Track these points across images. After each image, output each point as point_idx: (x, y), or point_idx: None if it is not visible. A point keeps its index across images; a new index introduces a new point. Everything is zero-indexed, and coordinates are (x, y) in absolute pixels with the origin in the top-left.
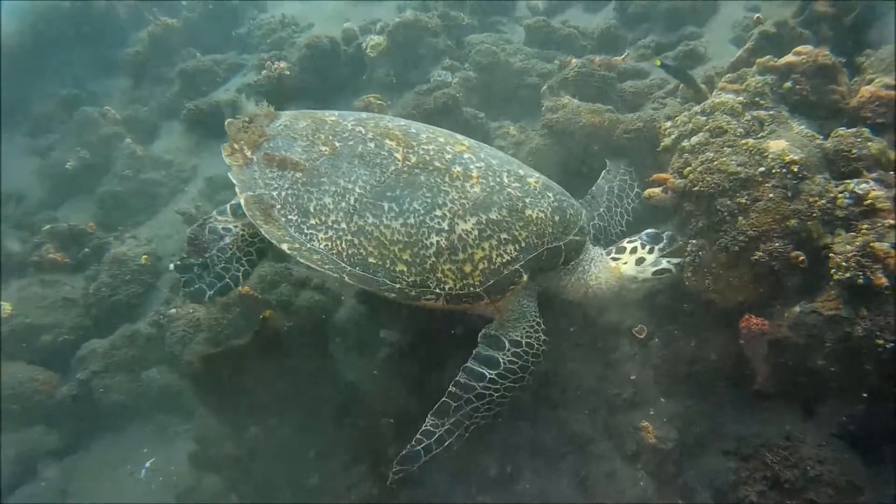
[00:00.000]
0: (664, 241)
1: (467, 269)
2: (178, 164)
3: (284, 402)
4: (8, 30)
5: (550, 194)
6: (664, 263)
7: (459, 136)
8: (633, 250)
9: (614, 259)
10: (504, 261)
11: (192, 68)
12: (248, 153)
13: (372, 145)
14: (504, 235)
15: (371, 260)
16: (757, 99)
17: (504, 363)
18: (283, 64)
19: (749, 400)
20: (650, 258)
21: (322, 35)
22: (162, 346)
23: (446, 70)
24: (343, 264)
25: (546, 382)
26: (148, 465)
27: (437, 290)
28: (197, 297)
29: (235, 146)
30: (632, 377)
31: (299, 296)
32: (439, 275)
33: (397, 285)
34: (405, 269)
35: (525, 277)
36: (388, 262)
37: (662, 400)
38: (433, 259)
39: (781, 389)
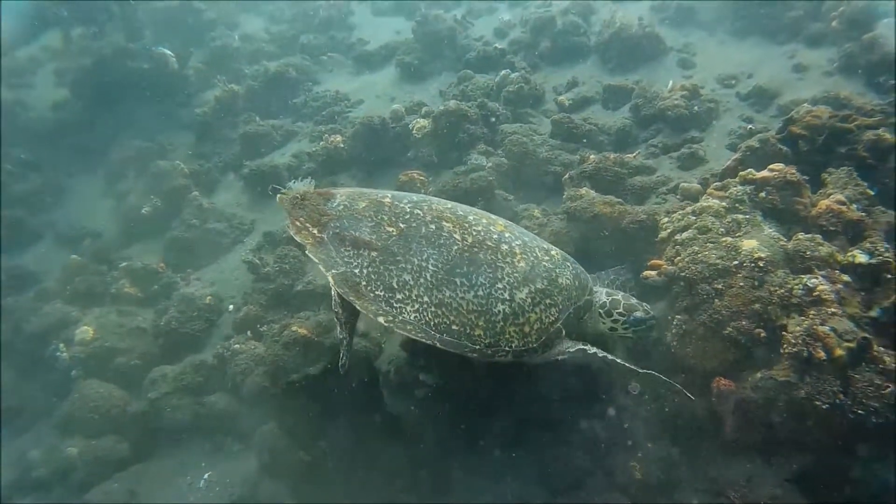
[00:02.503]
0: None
1: (526, 329)
2: (238, 217)
3: (341, 426)
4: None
5: (569, 264)
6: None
7: (494, 217)
8: (602, 306)
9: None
10: (550, 321)
11: (252, 132)
12: (316, 231)
13: (433, 227)
14: (548, 301)
15: (454, 327)
16: (737, 205)
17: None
18: (338, 137)
19: (719, 448)
20: (608, 303)
21: (374, 115)
22: (223, 376)
23: (481, 154)
24: (433, 332)
25: (556, 425)
26: (206, 476)
27: (507, 349)
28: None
29: (298, 223)
30: (625, 426)
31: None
32: (507, 336)
33: (477, 346)
34: (481, 333)
35: (564, 333)
36: (468, 328)
37: (649, 445)
38: (501, 323)
39: (745, 440)
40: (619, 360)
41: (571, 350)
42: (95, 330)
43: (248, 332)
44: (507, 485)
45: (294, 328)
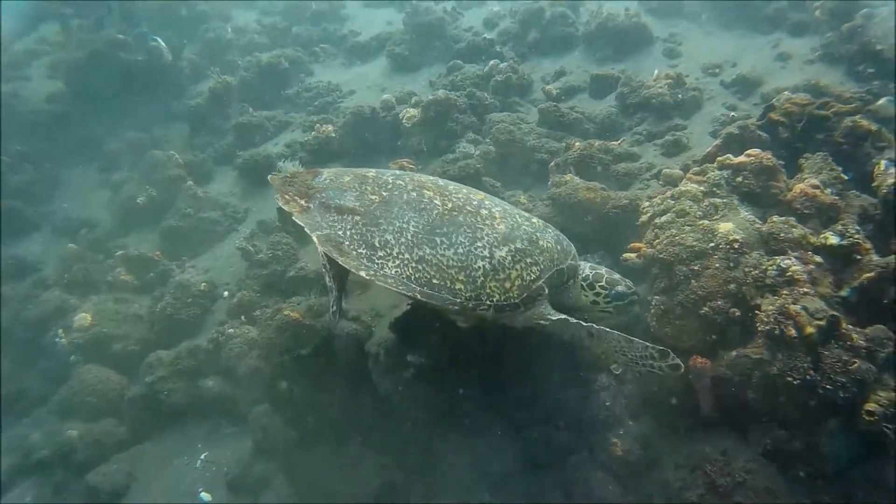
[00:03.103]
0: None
1: (507, 285)
2: (232, 206)
3: (332, 405)
4: (87, 75)
5: (550, 230)
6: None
7: (475, 190)
8: (585, 279)
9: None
10: (532, 278)
11: (245, 122)
12: (303, 202)
13: (414, 194)
14: (529, 260)
15: (435, 281)
16: (714, 189)
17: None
18: (329, 127)
19: (697, 424)
20: (590, 276)
21: (365, 105)
22: (218, 360)
23: (470, 143)
24: (413, 285)
25: (539, 403)
26: (203, 457)
27: (488, 302)
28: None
29: (287, 196)
30: (607, 403)
31: (339, 324)
32: (488, 290)
33: (458, 300)
34: (462, 287)
35: (546, 291)
36: (448, 282)
37: (630, 423)
38: (482, 278)
39: (721, 416)
40: (605, 329)
41: (553, 318)
42: (93, 316)
43: (243, 317)
44: (493, 461)
45: (286, 312)
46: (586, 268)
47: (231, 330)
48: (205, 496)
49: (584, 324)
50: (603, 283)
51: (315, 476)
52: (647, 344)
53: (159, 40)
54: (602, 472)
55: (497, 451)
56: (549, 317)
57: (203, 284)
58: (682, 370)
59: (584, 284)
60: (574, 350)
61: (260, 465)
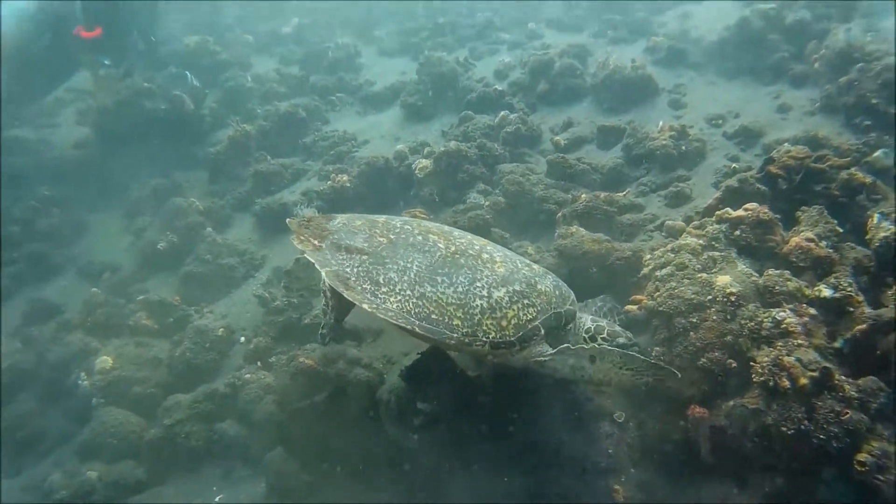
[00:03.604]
0: (599, 304)
1: (504, 323)
2: (250, 253)
3: (345, 451)
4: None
5: (550, 277)
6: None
7: (479, 237)
8: (587, 331)
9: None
10: (528, 318)
11: (263, 170)
12: (316, 242)
13: (420, 238)
14: (526, 301)
15: (434, 316)
16: (713, 243)
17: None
18: (345, 177)
19: (697, 472)
20: (592, 329)
21: (379, 155)
22: (235, 404)
23: (480, 193)
24: (413, 319)
25: (544, 450)
26: (217, 499)
27: (484, 339)
28: (322, 342)
29: (302, 237)
30: (609, 451)
31: (352, 371)
32: (484, 328)
33: (455, 335)
34: (459, 323)
35: (542, 332)
36: (446, 317)
37: (633, 470)
38: (479, 316)
39: (720, 464)
40: (607, 348)
41: (552, 351)
42: (114, 360)
43: (258, 363)
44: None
45: (301, 359)
46: (587, 320)
47: (247, 375)
48: None
49: (586, 346)
50: (605, 336)
51: None
52: (643, 357)
53: (190, 75)
54: None
55: (505, 494)
56: (547, 352)
57: (221, 330)
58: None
59: (587, 336)
60: (579, 401)
61: None
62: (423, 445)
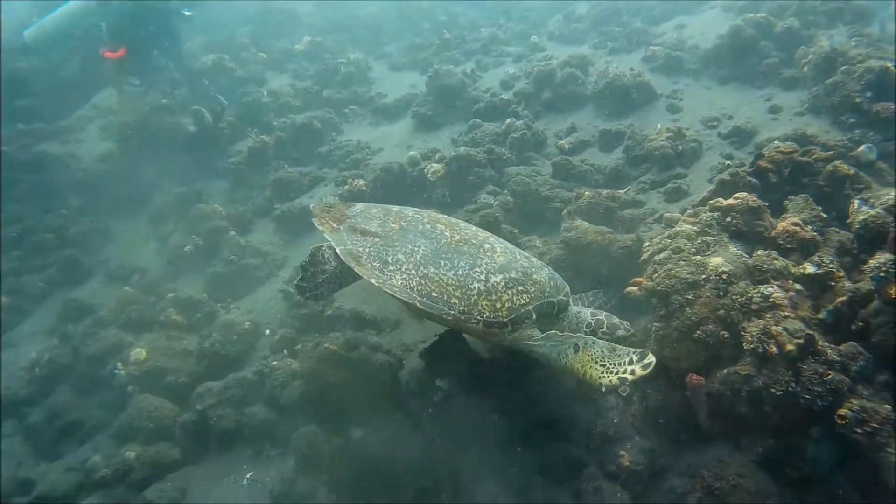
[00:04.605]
0: (591, 298)
1: (498, 305)
2: (272, 254)
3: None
4: (135, 136)
5: (546, 269)
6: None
7: (483, 230)
8: (588, 325)
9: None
10: (521, 303)
11: (282, 178)
12: (335, 225)
13: (428, 226)
14: (520, 288)
15: (434, 294)
16: (706, 228)
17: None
18: (361, 182)
19: (696, 437)
20: (593, 323)
21: (393, 162)
22: (262, 390)
23: (489, 194)
24: (415, 295)
25: (555, 421)
26: (248, 476)
27: (478, 318)
28: (300, 294)
29: (323, 220)
30: (615, 421)
31: (374, 356)
32: (479, 307)
33: (452, 311)
34: (457, 301)
35: (534, 316)
36: (445, 296)
37: (637, 438)
38: (475, 297)
39: (717, 428)
40: (592, 339)
41: (540, 336)
42: (147, 352)
43: (285, 351)
44: (513, 475)
45: (326, 345)
46: (587, 314)
47: (274, 363)
48: None
49: (572, 335)
50: (605, 329)
51: (357, 484)
52: (630, 349)
53: (221, 98)
54: (611, 482)
55: (517, 464)
56: (536, 337)
57: (247, 323)
58: (654, 365)
59: (588, 331)
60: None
61: (302, 481)
62: (441, 420)
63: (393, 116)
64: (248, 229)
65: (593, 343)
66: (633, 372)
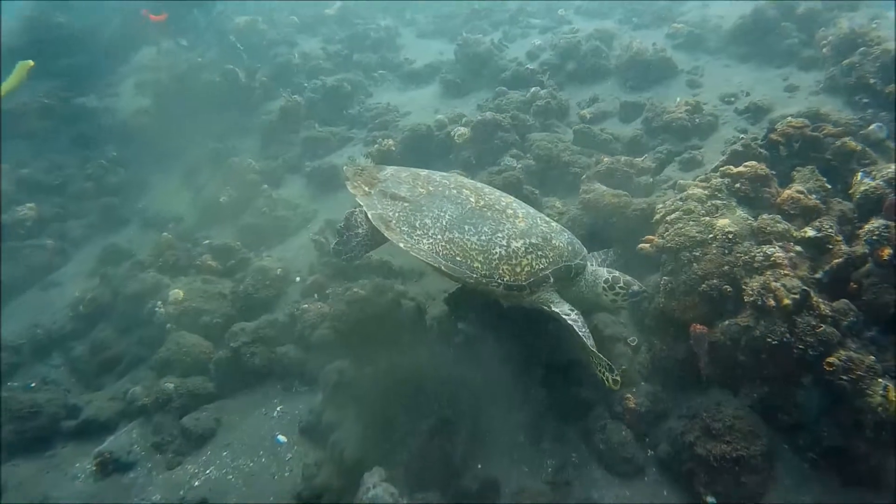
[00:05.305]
0: (603, 257)
1: (517, 270)
2: (302, 207)
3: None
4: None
5: (566, 234)
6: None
7: (507, 195)
8: (606, 281)
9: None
10: (540, 267)
11: (313, 136)
12: (367, 189)
13: (454, 191)
14: (539, 253)
15: (458, 258)
16: (716, 193)
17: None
18: (391, 141)
19: (698, 383)
20: (610, 279)
21: (421, 123)
22: (293, 331)
23: (513, 158)
24: (440, 258)
25: (568, 366)
26: (279, 409)
27: (499, 281)
28: (337, 256)
29: (356, 184)
30: (623, 367)
31: (401, 301)
32: (500, 272)
33: (474, 275)
34: (479, 265)
35: (552, 280)
36: (468, 260)
37: (643, 383)
38: (497, 261)
39: (717, 376)
40: (587, 334)
41: (553, 308)
42: (185, 293)
43: (315, 296)
44: (527, 413)
45: (355, 290)
46: (604, 272)
47: (305, 305)
48: (281, 438)
49: (571, 320)
50: (622, 285)
51: (381, 412)
52: (603, 357)
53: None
54: (617, 422)
55: (531, 404)
56: (550, 304)
57: (279, 269)
58: (619, 387)
59: (606, 286)
60: (598, 328)
61: (329, 412)
62: (463, 360)
63: (421, 82)
64: (279, 184)
65: (585, 338)
66: (607, 380)
